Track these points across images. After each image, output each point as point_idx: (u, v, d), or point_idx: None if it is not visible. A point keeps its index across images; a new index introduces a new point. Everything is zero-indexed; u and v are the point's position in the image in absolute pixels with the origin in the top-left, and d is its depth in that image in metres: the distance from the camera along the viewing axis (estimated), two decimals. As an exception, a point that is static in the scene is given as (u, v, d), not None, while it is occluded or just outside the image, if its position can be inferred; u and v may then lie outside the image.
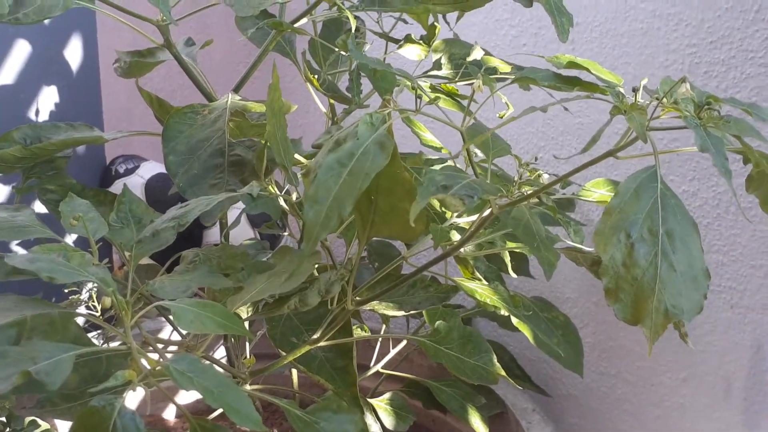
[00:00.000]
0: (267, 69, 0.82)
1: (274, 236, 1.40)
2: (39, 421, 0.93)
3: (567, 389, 1.32)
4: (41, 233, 0.86)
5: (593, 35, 1.18)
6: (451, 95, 0.87)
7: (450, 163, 0.94)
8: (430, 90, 0.87)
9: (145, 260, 1.00)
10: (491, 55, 0.95)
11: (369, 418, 1.04)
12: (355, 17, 0.92)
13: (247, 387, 0.96)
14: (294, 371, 1.18)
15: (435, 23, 0.94)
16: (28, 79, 1.32)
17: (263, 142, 0.91)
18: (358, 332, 1.06)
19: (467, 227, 0.85)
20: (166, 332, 1.26)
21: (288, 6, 1.00)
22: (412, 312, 0.98)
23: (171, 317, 0.99)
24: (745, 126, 0.65)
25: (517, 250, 0.90)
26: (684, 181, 1.10)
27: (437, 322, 0.92)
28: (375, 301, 0.93)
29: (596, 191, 0.87)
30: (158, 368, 0.65)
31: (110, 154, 1.53)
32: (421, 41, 0.95)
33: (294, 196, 0.93)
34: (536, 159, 0.79)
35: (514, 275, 0.95)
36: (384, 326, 1.15)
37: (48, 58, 1.35)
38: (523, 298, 1.06)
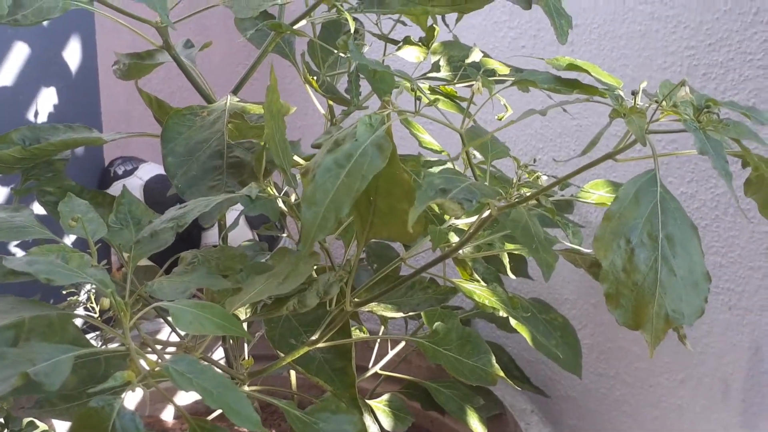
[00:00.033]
0: (266, 70, 0.82)
1: (272, 238, 1.40)
2: (37, 422, 0.93)
3: (565, 390, 1.32)
4: (40, 234, 0.85)
5: (592, 37, 1.18)
6: (450, 97, 0.87)
7: (449, 165, 0.94)
8: (429, 92, 0.87)
9: (144, 261, 1.00)
10: (490, 57, 0.95)
11: (367, 420, 1.04)
12: (354, 19, 0.92)
13: (246, 388, 0.96)
14: (292, 372, 1.18)
15: (434, 25, 0.94)
16: (27, 81, 1.32)
17: (262, 143, 0.91)
18: (356, 333, 1.06)
19: (466, 229, 0.85)
20: (165, 333, 1.26)
21: (287, 7, 1.00)
22: (410, 313, 0.98)
23: (169, 318, 0.99)
24: (744, 129, 0.65)
25: (516, 252, 0.90)
26: (682, 183, 1.10)
27: (436, 324, 0.92)
28: (373, 303, 0.93)
29: (595, 193, 0.87)
30: (157, 369, 0.65)
31: (109, 155, 1.53)
32: (419, 43, 0.95)
33: (293, 198, 0.93)
34: (534, 161, 0.79)
35: (512, 276, 0.95)
36: (382, 327, 1.15)
37: (47, 60, 1.35)
38: (522, 300, 1.06)
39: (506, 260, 0.92)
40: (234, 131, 0.92)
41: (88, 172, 1.49)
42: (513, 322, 0.90)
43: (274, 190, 0.91)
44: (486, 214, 0.73)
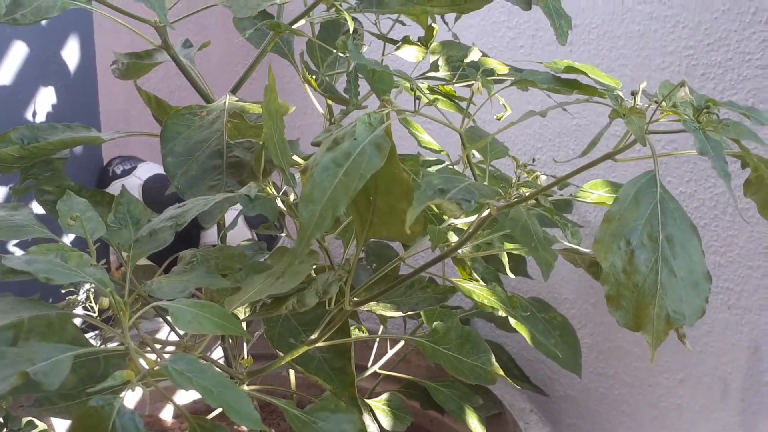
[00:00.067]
0: (265, 70, 0.82)
1: (271, 237, 1.40)
2: (36, 421, 0.93)
3: (565, 390, 1.32)
4: (39, 233, 0.85)
5: (591, 37, 1.18)
6: (449, 97, 0.88)
7: (447, 164, 0.94)
8: (428, 91, 0.87)
9: (143, 261, 1.00)
10: (488, 56, 0.95)
11: (367, 419, 1.04)
12: (353, 18, 0.92)
13: (245, 387, 0.96)
14: (292, 372, 1.18)
15: (433, 24, 0.94)
16: (26, 80, 1.32)
17: (261, 143, 0.91)
18: (356, 333, 1.06)
19: (465, 228, 0.85)
20: (164, 333, 1.26)
21: (286, 7, 1.00)
22: (409, 312, 0.98)
23: (169, 318, 0.99)
24: (744, 129, 0.65)
25: (515, 251, 0.90)
26: (681, 182, 1.10)
27: (435, 323, 0.92)
28: (373, 302, 0.93)
29: (594, 192, 0.87)
30: (156, 368, 0.65)
31: (107, 155, 1.53)
32: (418, 43, 0.95)
33: (291, 197, 0.93)
34: (534, 160, 0.79)
35: (511, 276, 0.95)
36: (382, 327, 1.15)
37: (45, 59, 1.35)
38: (521, 299, 1.06)
39: (505, 260, 0.92)
40: (233, 131, 0.92)
41: (87, 172, 1.49)
42: (512, 321, 0.90)
43: (273, 190, 0.91)
44: (485, 213, 0.73)
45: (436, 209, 0.90)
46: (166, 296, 0.80)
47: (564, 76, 0.76)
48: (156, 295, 0.82)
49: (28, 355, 0.62)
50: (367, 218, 0.77)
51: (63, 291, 0.94)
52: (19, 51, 1.30)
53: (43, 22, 1.06)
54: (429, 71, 0.97)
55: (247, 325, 0.98)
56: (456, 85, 0.92)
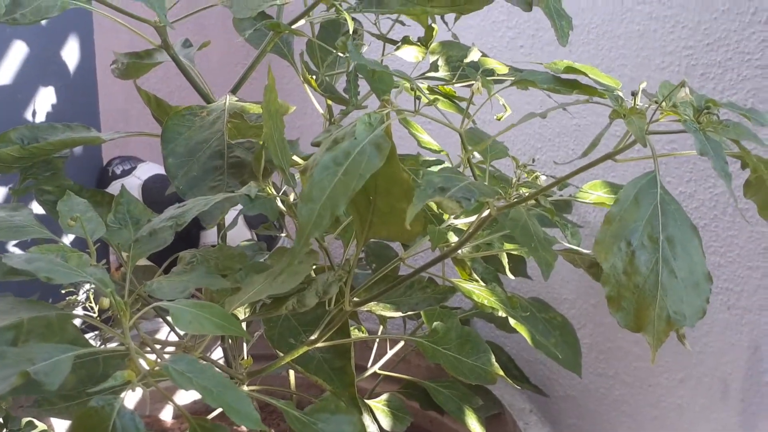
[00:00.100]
0: (265, 70, 0.82)
1: (271, 237, 1.40)
2: (36, 421, 0.93)
3: (564, 390, 1.32)
4: (39, 233, 0.85)
5: (590, 37, 1.18)
6: (449, 97, 0.88)
7: (447, 164, 0.94)
8: (428, 91, 0.87)
9: (143, 261, 1.00)
10: (488, 57, 0.95)
11: (366, 419, 1.04)
12: (353, 19, 0.92)
13: (245, 388, 0.96)
14: (291, 372, 1.18)
15: (433, 24, 0.94)
16: (26, 80, 1.32)
17: (261, 143, 0.91)
18: (355, 333, 1.06)
19: (465, 229, 0.85)
20: (164, 333, 1.26)
21: (286, 7, 1.00)
22: (409, 313, 0.98)
23: (169, 318, 0.99)
24: (744, 130, 0.65)
25: (515, 252, 0.90)
26: (681, 182, 1.10)
27: (435, 323, 0.92)
28: (372, 302, 0.93)
29: (593, 193, 0.87)
30: (156, 369, 0.65)
31: (107, 155, 1.53)
32: (418, 43, 0.95)
33: (291, 197, 0.93)
34: (533, 161, 0.79)
35: (511, 276, 0.95)
36: (381, 327, 1.15)
37: (45, 59, 1.35)
38: (521, 299, 1.06)
39: (505, 260, 0.92)
40: (234, 131, 0.92)
41: (87, 172, 1.49)
42: (512, 321, 0.90)
43: (273, 190, 0.91)
44: (485, 213, 0.73)
45: (436, 209, 0.90)
46: (166, 296, 0.80)
47: (564, 76, 0.76)
48: (156, 296, 0.82)
49: (28, 356, 0.62)
50: (366, 218, 0.77)
51: (63, 291, 0.94)
52: (19, 51, 1.30)
53: (43, 22, 1.06)
54: (429, 71, 0.97)
55: (247, 326, 0.98)
56: (456, 85, 0.92)
